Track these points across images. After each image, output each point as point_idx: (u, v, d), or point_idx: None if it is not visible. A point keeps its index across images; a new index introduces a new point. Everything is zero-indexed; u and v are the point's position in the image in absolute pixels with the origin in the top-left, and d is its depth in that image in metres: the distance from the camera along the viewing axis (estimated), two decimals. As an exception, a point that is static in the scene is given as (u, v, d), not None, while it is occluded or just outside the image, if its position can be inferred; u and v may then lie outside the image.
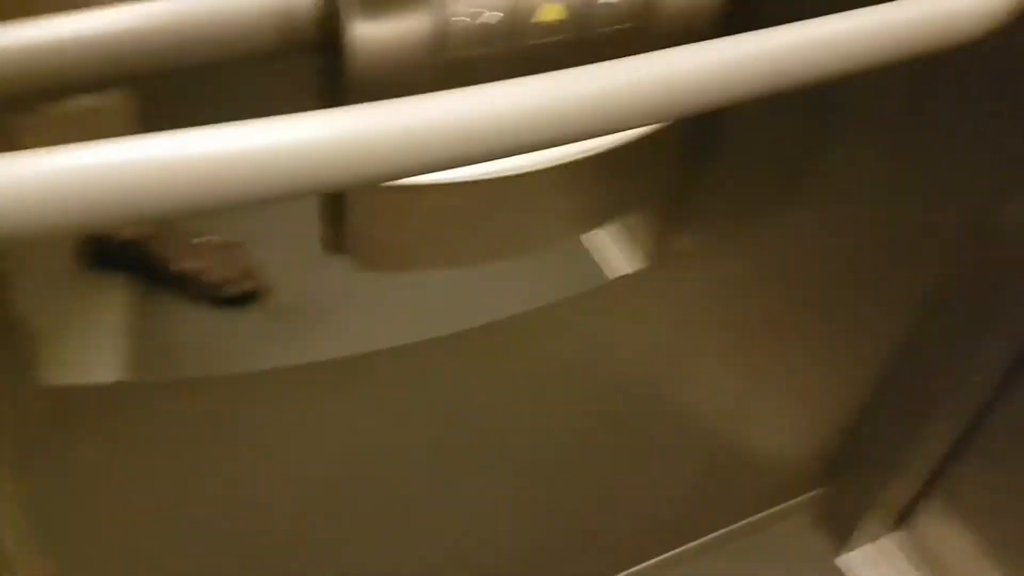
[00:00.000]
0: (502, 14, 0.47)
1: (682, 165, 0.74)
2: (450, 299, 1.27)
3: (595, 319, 0.83)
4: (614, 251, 1.35)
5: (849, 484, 1.14)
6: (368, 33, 0.45)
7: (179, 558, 0.73)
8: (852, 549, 1.15)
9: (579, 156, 0.57)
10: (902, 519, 1.15)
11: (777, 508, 1.15)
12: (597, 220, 0.66)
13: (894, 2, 0.48)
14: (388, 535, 0.86)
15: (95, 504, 0.65)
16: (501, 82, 0.40)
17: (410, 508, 0.84)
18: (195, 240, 1.33)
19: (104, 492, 0.65)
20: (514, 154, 0.41)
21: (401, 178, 0.41)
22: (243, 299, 1.32)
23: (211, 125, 0.36)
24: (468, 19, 0.47)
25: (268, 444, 0.70)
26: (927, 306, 0.95)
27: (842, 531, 1.14)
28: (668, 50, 0.43)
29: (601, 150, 0.58)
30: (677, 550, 1.11)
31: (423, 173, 0.40)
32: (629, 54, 0.42)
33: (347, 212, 0.54)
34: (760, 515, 1.14)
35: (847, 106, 0.80)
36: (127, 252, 1.29)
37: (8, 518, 0.61)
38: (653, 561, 1.11)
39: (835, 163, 0.84)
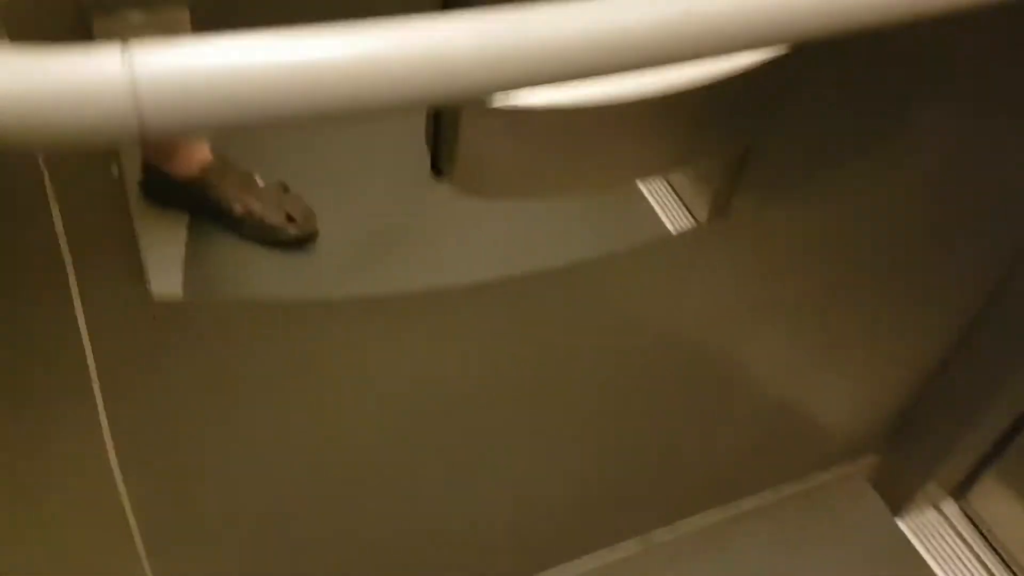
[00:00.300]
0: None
1: (774, 108, 0.72)
2: (509, 242, 1.27)
3: (659, 272, 0.82)
4: (676, 205, 1.34)
5: (909, 452, 1.13)
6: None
7: (251, 484, 0.74)
8: (907, 515, 1.14)
9: (684, 87, 0.56)
10: (959, 490, 1.14)
11: (836, 470, 1.14)
12: (691, 157, 0.65)
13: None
14: (449, 473, 0.86)
15: (178, 421, 0.66)
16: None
17: (469, 451, 0.84)
18: (255, 182, 1.34)
19: (189, 410, 0.65)
20: (649, 67, 0.41)
21: (532, 85, 0.40)
22: (298, 242, 1.32)
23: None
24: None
25: (342, 373, 0.70)
26: (1001, 281, 0.94)
27: (899, 497, 1.14)
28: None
29: (706, 82, 0.57)
30: (735, 504, 1.11)
31: (555, 82, 0.39)
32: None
33: (456, 134, 0.54)
34: (819, 475, 1.14)
35: (931, 55, 0.78)
36: (188, 190, 1.30)
37: (91, 432, 0.62)
38: (710, 516, 1.11)
39: (918, 117, 0.82)
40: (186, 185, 1.30)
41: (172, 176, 1.29)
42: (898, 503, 1.14)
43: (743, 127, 0.69)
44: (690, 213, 1.30)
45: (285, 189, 1.35)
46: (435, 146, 0.57)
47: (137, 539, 0.69)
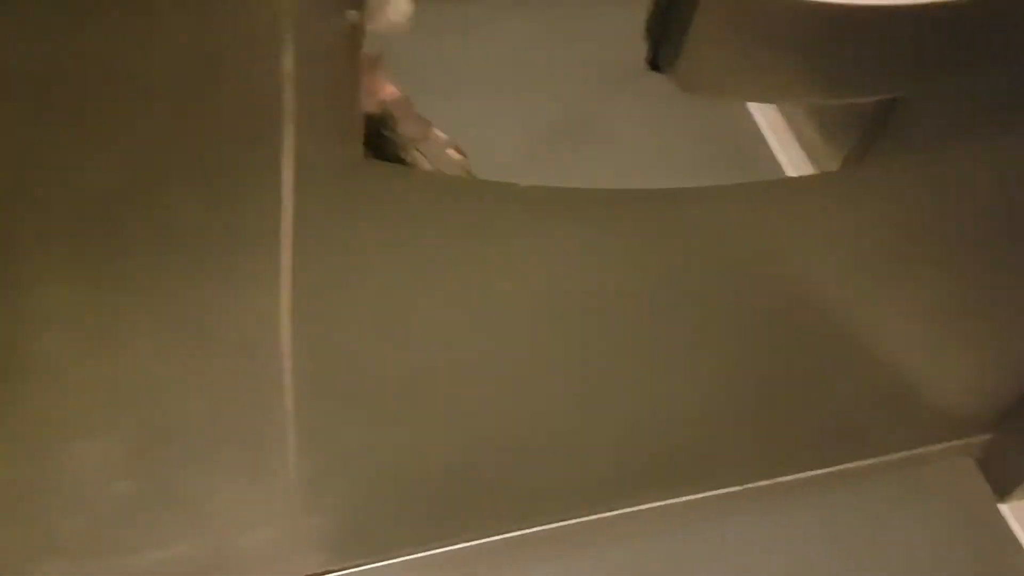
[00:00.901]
0: None
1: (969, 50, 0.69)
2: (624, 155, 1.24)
3: (774, 213, 0.80)
4: (796, 145, 1.30)
5: (1018, 434, 1.10)
6: None
7: (399, 355, 0.74)
8: (1011, 500, 1.12)
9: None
10: (1066, 481, 1.12)
11: (942, 445, 1.12)
12: (908, 84, 0.63)
13: None
14: (565, 385, 0.86)
15: (352, 282, 0.66)
16: None
17: (586, 366, 0.84)
18: (432, 134, 1.29)
19: (363, 273, 0.65)
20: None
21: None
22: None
23: None
24: None
25: (497, 260, 0.69)
26: None
27: (1004, 480, 1.11)
28: None
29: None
30: (835, 468, 1.09)
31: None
32: None
33: (690, 21, 0.52)
34: (924, 448, 1.12)
35: None
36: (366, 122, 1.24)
37: (270, 280, 0.62)
38: (807, 474, 1.10)
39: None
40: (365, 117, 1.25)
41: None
42: (1003, 487, 1.11)
43: (948, 62, 0.66)
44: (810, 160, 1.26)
45: (459, 151, 1.30)
46: (659, 34, 0.55)
47: (288, 395, 0.70)
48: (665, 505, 1.03)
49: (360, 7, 0.48)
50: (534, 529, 0.97)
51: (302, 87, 0.51)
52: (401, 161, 1.27)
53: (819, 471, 1.10)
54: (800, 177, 1.17)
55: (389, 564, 0.92)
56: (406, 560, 0.92)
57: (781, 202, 0.76)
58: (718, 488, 1.06)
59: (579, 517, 0.99)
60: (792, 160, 1.29)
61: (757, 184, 0.71)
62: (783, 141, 1.32)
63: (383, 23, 1.12)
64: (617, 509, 1.01)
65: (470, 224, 0.62)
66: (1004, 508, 1.12)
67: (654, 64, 0.57)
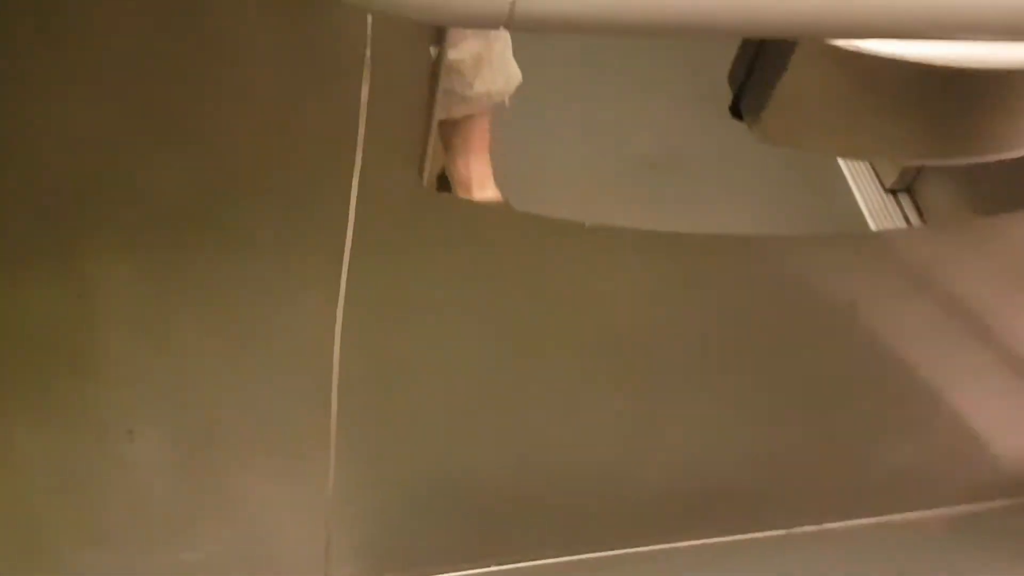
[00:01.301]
0: None
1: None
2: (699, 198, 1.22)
3: (855, 266, 0.78)
4: (884, 199, 1.27)
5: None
6: None
7: (444, 379, 0.73)
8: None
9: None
10: None
11: (1005, 501, 1.09)
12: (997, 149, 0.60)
13: None
14: (617, 419, 0.84)
15: (402, 300, 0.65)
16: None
17: (638, 401, 0.83)
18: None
19: (416, 293, 0.65)
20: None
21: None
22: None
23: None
24: None
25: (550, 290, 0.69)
26: None
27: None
28: None
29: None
30: (886, 518, 1.06)
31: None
32: None
33: (774, 78, 0.50)
34: (985, 504, 1.08)
35: None
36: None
37: (327, 294, 0.62)
38: (855, 523, 1.07)
39: None
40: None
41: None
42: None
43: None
44: (900, 209, 1.23)
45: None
46: (744, 82, 0.54)
47: (333, 407, 0.70)
48: (707, 544, 1.01)
49: (440, 43, 0.48)
50: (570, 558, 0.96)
51: (374, 111, 0.51)
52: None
53: (868, 520, 1.07)
54: (884, 232, 1.15)
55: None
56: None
57: (861, 255, 0.74)
58: (763, 530, 1.04)
59: (619, 549, 0.98)
60: (872, 208, 1.26)
61: (835, 236, 0.69)
62: (865, 190, 1.29)
63: (494, 91, 1.09)
64: (658, 544, 0.99)
65: (530, 258, 0.61)
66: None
67: (735, 111, 0.55)
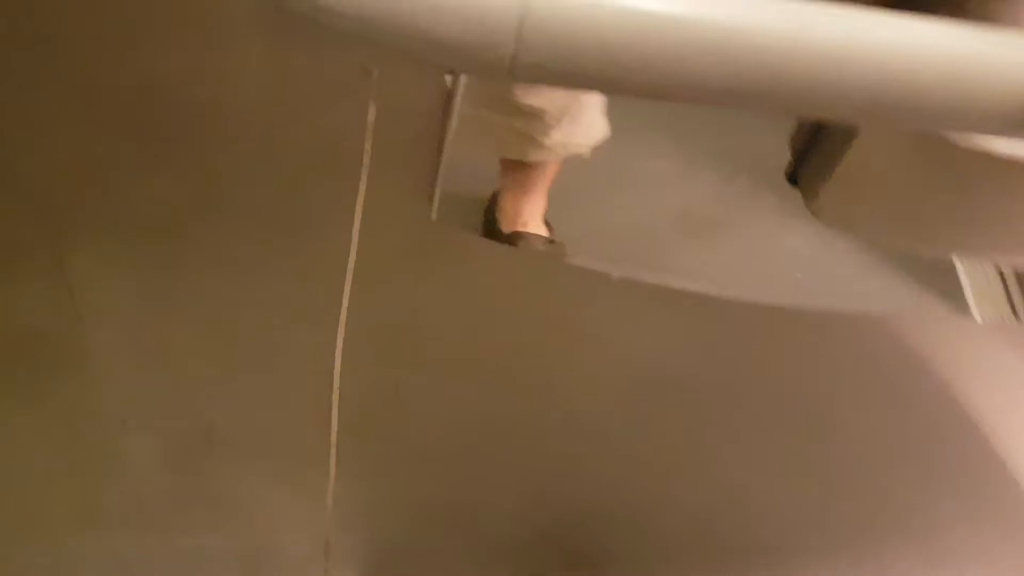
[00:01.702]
0: None
1: None
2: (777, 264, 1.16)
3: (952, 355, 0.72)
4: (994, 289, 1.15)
5: None
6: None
7: (447, 408, 0.71)
8: None
9: None
10: None
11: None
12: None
13: None
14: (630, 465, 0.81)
15: (403, 328, 0.63)
16: None
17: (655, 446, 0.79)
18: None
19: (418, 322, 0.62)
20: None
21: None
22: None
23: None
24: None
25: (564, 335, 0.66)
26: None
27: None
28: None
29: None
30: None
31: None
32: None
33: (842, 154, 0.44)
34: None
35: None
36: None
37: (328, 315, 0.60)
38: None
39: None
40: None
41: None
42: None
43: None
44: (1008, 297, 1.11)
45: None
46: (802, 156, 0.47)
47: (333, 423, 0.68)
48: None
49: (454, 72, 0.44)
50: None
51: (385, 141, 0.47)
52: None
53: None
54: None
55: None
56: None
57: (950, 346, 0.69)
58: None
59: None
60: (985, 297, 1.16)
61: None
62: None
63: (571, 143, 1.03)
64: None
65: (542, 301, 0.58)
66: None
67: (792, 179, 0.49)
